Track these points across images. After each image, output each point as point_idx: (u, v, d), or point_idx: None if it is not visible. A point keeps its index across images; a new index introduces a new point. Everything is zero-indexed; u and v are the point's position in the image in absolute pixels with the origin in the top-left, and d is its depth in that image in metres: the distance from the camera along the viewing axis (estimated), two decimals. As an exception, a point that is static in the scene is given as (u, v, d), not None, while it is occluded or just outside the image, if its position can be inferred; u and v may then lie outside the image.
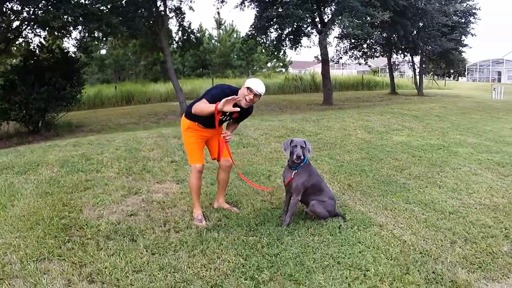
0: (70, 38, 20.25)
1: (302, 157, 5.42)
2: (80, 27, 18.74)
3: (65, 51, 18.50)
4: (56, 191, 6.76)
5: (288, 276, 4.31)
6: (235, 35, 52.87)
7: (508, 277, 4.45)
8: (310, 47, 44.78)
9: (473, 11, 32.35)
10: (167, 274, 4.34)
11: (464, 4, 31.17)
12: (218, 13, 64.59)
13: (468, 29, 33.26)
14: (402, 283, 4.23)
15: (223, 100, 4.94)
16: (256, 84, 5.28)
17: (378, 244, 5.05)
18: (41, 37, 19.58)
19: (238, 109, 5.19)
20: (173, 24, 34.35)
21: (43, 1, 16.62)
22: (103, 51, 47.13)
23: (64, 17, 16.32)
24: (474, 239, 5.26)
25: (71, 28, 18.58)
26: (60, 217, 5.74)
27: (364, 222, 5.69)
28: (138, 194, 6.73)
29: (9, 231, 5.31)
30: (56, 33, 18.75)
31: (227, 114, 5.49)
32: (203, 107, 5.19)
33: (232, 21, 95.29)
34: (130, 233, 5.26)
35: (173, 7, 23.95)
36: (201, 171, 5.78)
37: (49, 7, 16.39)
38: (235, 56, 52.33)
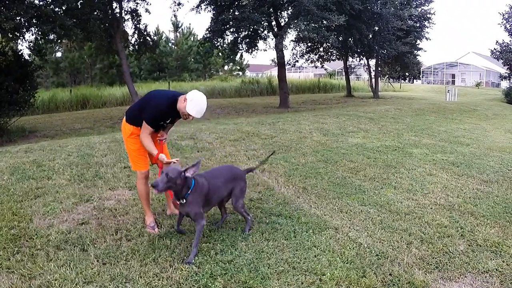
0: (23, 40, 19.78)
1: (158, 187, 4.59)
2: (33, 29, 18.38)
3: (18, 53, 18.04)
4: (5, 200, 6.53)
5: (242, 283, 4.22)
6: (192, 38, 52.80)
7: (465, 276, 4.48)
8: (266, 50, 44.93)
9: (428, 15, 32.93)
10: (118, 284, 4.20)
11: (419, 9, 31.67)
12: (175, 15, 64.48)
13: (422, 33, 33.90)
14: (358, 286, 4.20)
15: (166, 161, 5.28)
16: (199, 112, 5.13)
17: (333, 247, 5.01)
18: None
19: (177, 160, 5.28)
20: (129, 27, 34.08)
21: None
22: (58, 54, 46.55)
23: (17, 18, 15.97)
24: (430, 240, 5.28)
25: (24, 30, 18.18)
26: (9, 227, 5.52)
27: (319, 226, 5.64)
28: (89, 201, 6.53)
29: (-45, 242, 5.11)
30: (9, 34, 18.34)
31: (168, 122, 5.51)
32: (147, 144, 5.30)
33: (190, 24, 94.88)
34: (81, 243, 5.09)
35: (129, 9, 23.74)
36: (147, 177, 5.68)
37: (1, 7, 16.01)
38: (192, 60, 52.21)
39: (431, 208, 6.44)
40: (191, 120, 5.27)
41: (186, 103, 5.07)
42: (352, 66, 42.16)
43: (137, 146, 5.51)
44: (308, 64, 35.65)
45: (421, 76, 75.51)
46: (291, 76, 50.84)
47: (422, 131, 13.44)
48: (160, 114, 5.26)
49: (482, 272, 4.57)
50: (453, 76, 73.64)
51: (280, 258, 4.73)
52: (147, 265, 4.58)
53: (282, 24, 23.16)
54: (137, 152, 5.55)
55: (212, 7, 23.13)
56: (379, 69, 37.44)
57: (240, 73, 58.70)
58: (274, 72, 34.22)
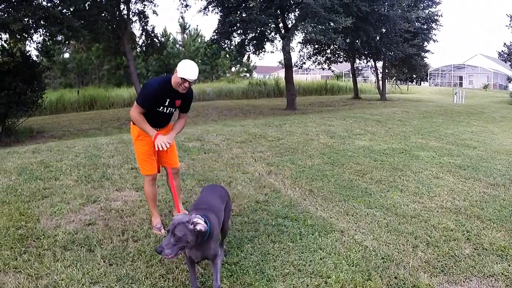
0: (31, 41, 19.85)
1: (166, 253, 3.68)
2: (41, 30, 18.44)
3: (26, 54, 18.10)
4: (13, 200, 6.56)
5: (247, 285, 4.24)
6: (199, 40, 52.80)
7: (471, 280, 4.47)
8: (273, 52, 44.98)
9: (435, 17, 32.83)
10: (124, 285, 4.24)
11: (426, 11, 31.57)
12: (182, 17, 64.57)
13: (430, 35, 33.76)
14: (363, 289, 4.21)
15: (162, 141, 5.17)
16: (189, 72, 5.08)
17: (339, 250, 5.02)
18: (1, 40, 19.22)
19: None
20: (136, 28, 34.18)
21: (3, 4, 16.32)
22: (66, 55, 46.57)
23: (25, 19, 16.03)
24: (436, 243, 5.27)
25: (32, 31, 18.24)
26: (17, 227, 5.56)
27: (325, 228, 5.65)
28: (96, 202, 6.56)
29: (-37, 241, 5.15)
30: (17, 36, 18.41)
31: (167, 105, 5.38)
32: (140, 123, 5.28)
33: (197, 25, 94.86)
34: (88, 243, 5.13)
35: (137, 11, 23.78)
36: (154, 179, 5.69)
37: (10, 9, 16.08)
38: (200, 61, 52.17)
39: (437, 212, 6.42)
40: (188, 87, 5.19)
41: (177, 72, 5.09)
42: (359, 68, 42.06)
43: (144, 148, 5.50)
44: (315, 66, 35.60)
45: (428, 78, 75.28)
46: (298, 78, 50.86)
47: (429, 134, 13.41)
48: (153, 93, 5.21)
49: (487, 276, 4.56)
50: (461, 78, 73.40)
51: (286, 261, 4.74)
52: (153, 266, 4.61)
53: (289, 26, 23.17)
54: (144, 155, 5.54)
55: (220, 9, 23.18)
56: (386, 71, 37.39)
57: (248, 74, 58.68)
58: (281, 74, 34.17)
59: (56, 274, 4.41)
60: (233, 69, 58.17)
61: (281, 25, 23.65)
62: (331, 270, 4.55)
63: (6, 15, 15.97)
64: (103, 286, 4.23)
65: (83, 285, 4.23)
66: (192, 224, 3.70)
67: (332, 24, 20.09)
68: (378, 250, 5.05)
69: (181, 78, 5.06)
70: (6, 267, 4.55)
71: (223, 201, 4.66)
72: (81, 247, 5.03)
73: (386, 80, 39.49)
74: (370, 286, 4.26)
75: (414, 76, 56.33)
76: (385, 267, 4.65)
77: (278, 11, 21.93)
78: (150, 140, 5.40)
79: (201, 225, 3.72)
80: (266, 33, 23.76)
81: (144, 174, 5.67)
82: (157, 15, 28.02)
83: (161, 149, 5.21)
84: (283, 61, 25.09)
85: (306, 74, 62.01)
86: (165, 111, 5.42)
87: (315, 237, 5.36)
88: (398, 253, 5.00)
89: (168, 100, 5.31)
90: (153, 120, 5.35)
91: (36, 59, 18.73)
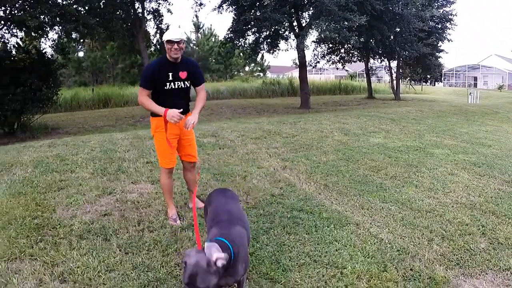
0: (47, 39, 20.04)
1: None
2: (57, 28, 18.57)
3: (42, 52, 18.21)
4: (29, 191, 6.62)
5: (263, 274, 4.26)
6: (213, 39, 52.90)
7: (486, 274, 4.46)
8: (288, 50, 44.89)
9: (450, 17, 32.66)
10: (140, 273, 4.27)
11: (441, 10, 31.42)
12: (196, 16, 64.68)
13: (444, 35, 33.57)
14: (379, 280, 4.20)
15: (173, 115, 5.03)
16: (170, 33, 5.16)
17: (354, 242, 5.02)
18: (17, 38, 19.37)
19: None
20: (151, 27, 34.22)
21: (19, 1, 16.44)
22: (81, 54, 46.88)
23: (41, 16, 16.16)
24: (451, 237, 5.25)
25: (48, 29, 18.38)
26: (33, 216, 5.62)
27: (341, 221, 5.65)
28: (112, 194, 6.60)
29: (-21, 230, 5.20)
30: (32, 33, 18.54)
31: (171, 79, 5.32)
32: (148, 105, 5.25)
33: (211, 25, 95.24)
34: (104, 233, 5.17)
35: (151, 9, 23.89)
36: (171, 171, 5.68)
37: (26, 6, 16.21)
38: (213, 60, 52.33)
39: (452, 207, 6.40)
40: (178, 48, 5.15)
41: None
42: (373, 68, 41.98)
43: (162, 140, 5.44)
44: (329, 66, 35.58)
45: (442, 78, 74.97)
46: (312, 77, 50.76)
47: (444, 132, 13.35)
48: (151, 70, 5.25)
49: (503, 270, 4.55)
50: (475, 79, 73.07)
51: (302, 252, 4.75)
52: (169, 255, 4.64)
53: (304, 24, 23.16)
54: (162, 147, 5.49)
55: (234, 7, 23.22)
56: (400, 70, 37.27)
57: (261, 74, 58.76)
58: (295, 73, 34.12)
59: (72, 262, 4.46)
60: (247, 68, 58.28)
61: (295, 23, 23.65)
62: (346, 261, 4.55)
63: (22, 11, 16.10)
64: (118, 274, 4.26)
65: (98, 272, 4.27)
66: (213, 265, 2.96)
67: (346, 22, 20.05)
68: (394, 242, 5.04)
69: (166, 41, 5.15)
70: (22, 254, 4.61)
71: (238, 203, 4.24)
72: (97, 236, 5.08)
73: (400, 80, 39.33)
74: (386, 277, 4.25)
75: (428, 76, 56.14)
76: (401, 259, 4.65)
77: (292, 9, 21.94)
78: (170, 133, 5.39)
79: (221, 260, 2.98)
80: (280, 32, 23.78)
81: (162, 166, 5.65)
82: (171, 13, 28.18)
83: (173, 122, 5.09)
84: (297, 60, 25.02)
85: (320, 74, 61.92)
86: (173, 86, 5.35)
87: (331, 230, 5.37)
88: (414, 246, 4.99)
89: (170, 74, 5.26)
90: (170, 103, 5.26)
91: (51, 57, 18.78)
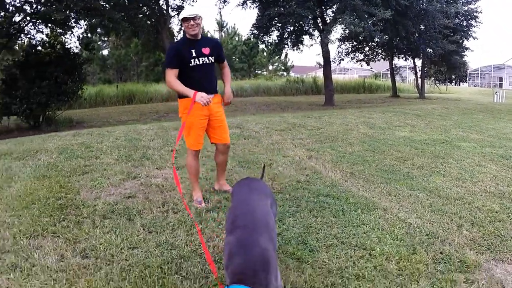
0: (72, 35, 20.16)
1: None
2: (82, 22, 18.72)
3: (67, 46, 18.33)
4: (54, 175, 6.68)
5: (290, 254, 4.20)
6: (237, 38, 52.92)
7: (518, 259, 4.34)
8: (312, 45, 44.86)
9: (475, 14, 32.31)
10: (163, 250, 4.25)
11: (466, 7, 31.09)
12: (220, 13, 64.69)
13: (469, 33, 33.19)
14: (409, 262, 4.12)
15: (202, 95, 5.07)
16: (184, 12, 5.28)
17: (382, 226, 4.95)
18: (43, 33, 19.54)
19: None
20: (175, 24, 34.29)
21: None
22: (105, 52, 47.23)
23: (67, 11, 16.29)
24: (481, 223, 5.15)
25: (73, 24, 18.52)
26: (57, 197, 5.67)
27: (368, 206, 5.58)
28: (137, 178, 6.62)
29: (3, 209, 5.27)
30: (58, 29, 18.67)
31: (195, 55, 5.34)
32: (176, 86, 5.27)
33: (234, 24, 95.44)
34: (127, 213, 5.18)
35: (175, 6, 23.91)
36: (198, 153, 5.66)
37: (52, 0, 16.35)
38: (237, 59, 52.35)
39: (481, 195, 6.28)
40: (195, 24, 5.23)
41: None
42: (398, 67, 41.63)
43: (192, 121, 5.40)
44: (353, 64, 35.41)
45: (467, 78, 74.29)
46: (336, 77, 50.61)
47: (470, 128, 13.18)
48: (174, 48, 5.37)
49: (536, 256, 4.43)
50: (501, 79, 72.19)
51: (329, 234, 4.69)
52: (193, 234, 4.61)
53: (328, 21, 23.04)
54: (190, 129, 5.46)
55: (258, 3, 23.18)
56: (425, 69, 36.90)
57: (285, 73, 58.68)
58: (319, 73, 34.01)
59: (95, 239, 4.47)
60: (270, 67, 58.25)
61: (319, 20, 23.55)
62: (375, 243, 4.48)
63: (48, 5, 16.22)
64: (142, 251, 4.25)
65: (121, 249, 4.27)
66: None
67: (370, 18, 19.93)
68: (422, 227, 4.95)
69: (182, 20, 5.24)
70: (45, 232, 4.64)
71: (267, 199, 3.58)
72: (120, 216, 5.09)
73: (425, 79, 38.96)
74: (416, 259, 4.17)
75: (453, 76, 55.66)
76: (430, 243, 4.56)
77: (316, 4, 21.83)
78: (198, 113, 5.36)
79: None
80: (305, 27, 23.70)
81: (189, 148, 5.61)
82: (195, 11, 28.21)
83: (202, 104, 5.09)
84: (321, 54, 24.81)
85: (344, 74, 61.78)
86: (198, 62, 5.36)
87: (358, 214, 5.30)
88: (443, 231, 4.90)
89: (193, 50, 5.30)
90: (198, 81, 5.30)
91: (76, 52, 18.95)
